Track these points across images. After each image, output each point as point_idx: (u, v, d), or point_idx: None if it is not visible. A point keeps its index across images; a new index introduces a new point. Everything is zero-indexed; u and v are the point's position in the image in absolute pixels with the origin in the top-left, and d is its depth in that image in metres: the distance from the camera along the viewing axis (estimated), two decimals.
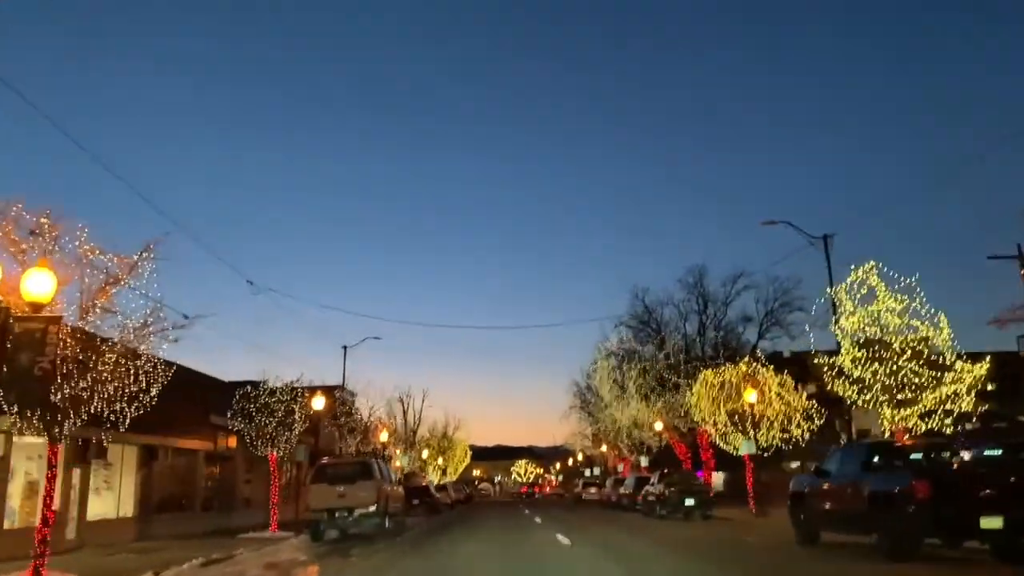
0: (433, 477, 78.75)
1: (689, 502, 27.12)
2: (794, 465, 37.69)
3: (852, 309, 19.06)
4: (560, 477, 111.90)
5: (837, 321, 19.54)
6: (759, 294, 42.12)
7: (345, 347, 45.99)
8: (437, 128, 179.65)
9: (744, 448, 27.75)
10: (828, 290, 26.83)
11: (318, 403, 27.56)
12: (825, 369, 19.33)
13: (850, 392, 18.95)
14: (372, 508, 19.97)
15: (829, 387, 19.46)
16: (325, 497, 20.08)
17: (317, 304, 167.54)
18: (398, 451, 65.59)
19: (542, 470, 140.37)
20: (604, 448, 64.23)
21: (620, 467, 56.99)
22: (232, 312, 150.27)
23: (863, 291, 19.18)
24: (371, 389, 53.36)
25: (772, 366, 29.61)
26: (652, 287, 60.20)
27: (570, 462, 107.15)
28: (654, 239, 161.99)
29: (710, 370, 30.66)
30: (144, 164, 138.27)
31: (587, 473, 78.80)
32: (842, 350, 19.15)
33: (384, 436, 42.82)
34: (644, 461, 45.06)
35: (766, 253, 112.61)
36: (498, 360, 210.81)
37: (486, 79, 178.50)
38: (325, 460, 22.78)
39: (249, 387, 23.79)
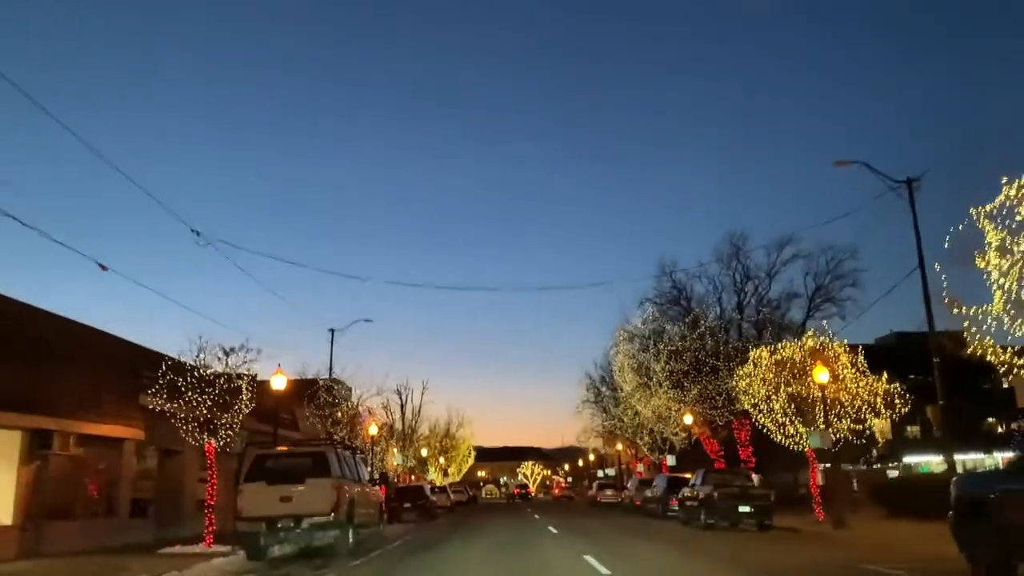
0: (434, 477, 73.41)
1: (744, 509, 21.53)
2: (841, 463, 31.98)
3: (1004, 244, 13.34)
4: (569, 479, 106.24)
5: (985, 257, 13.81)
6: (809, 266, 35.93)
7: (332, 330, 40.67)
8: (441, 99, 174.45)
9: (813, 441, 22.16)
10: (916, 244, 21.62)
11: (278, 382, 22.11)
12: (967, 326, 13.65)
13: (1006, 358, 13.29)
14: (328, 516, 14.42)
15: (972, 350, 13.76)
16: (263, 501, 14.52)
17: (276, 257, 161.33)
18: (395, 449, 60.23)
19: (549, 471, 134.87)
20: (619, 446, 58.65)
21: (640, 467, 51.34)
22: (227, 306, 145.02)
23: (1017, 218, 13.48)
24: (361, 375, 47.63)
25: (845, 340, 24.03)
26: (682, 260, 53.76)
27: (580, 463, 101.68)
28: (681, 204, 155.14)
29: (765, 347, 25.04)
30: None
31: (601, 474, 73.16)
32: (994, 298, 13.44)
33: (373, 429, 37.26)
34: (671, 459, 39.40)
35: (814, 216, 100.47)
36: (503, 360, 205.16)
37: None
38: (264, 451, 17.04)
39: (179, 359, 18.18)
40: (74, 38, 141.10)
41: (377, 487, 19.50)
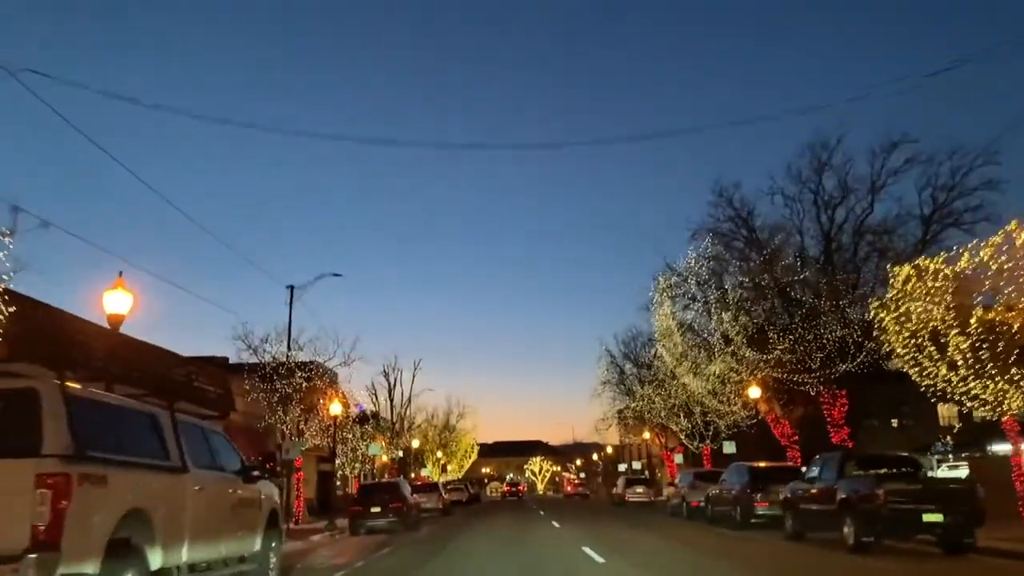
0: (430, 473, 64.13)
1: (932, 518, 12.25)
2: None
3: None
4: (582, 475, 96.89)
5: None
6: (926, 176, 25.03)
7: (292, 287, 31.43)
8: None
9: None
10: None
11: (116, 302, 12.86)
12: None
13: None
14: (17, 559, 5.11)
15: None
16: None
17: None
18: (382, 440, 50.98)
19: (559, 467, 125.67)
20: (647, 435, 49.33)
21: (679, 457, 41.94)
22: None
23: None
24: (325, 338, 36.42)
25: None
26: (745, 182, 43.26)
27: (595, 456, 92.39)
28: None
29: (926, 258, 15.59)
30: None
31: (622, 467, 63.77)
32: None
33: (336, 408, 28.04)
34: (731, 446, 30.04)
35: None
36: (508, 353, 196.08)
37: None
38: None
39: None
40: None
41: (267, 481, 10.36)
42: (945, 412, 59.85)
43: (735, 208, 27.03)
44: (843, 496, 13.37)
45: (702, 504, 23.94)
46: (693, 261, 25.46)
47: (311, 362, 29.25)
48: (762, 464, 20.88)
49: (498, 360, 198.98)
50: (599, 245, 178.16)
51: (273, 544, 10.08)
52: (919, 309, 14.50)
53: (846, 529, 13.15)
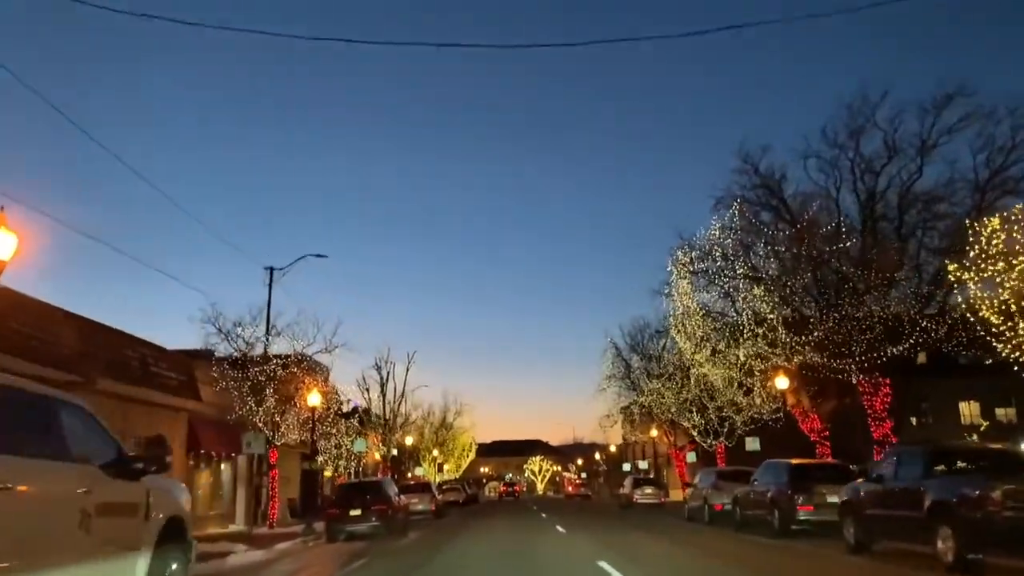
0: (424, 472, 61.13)
1: None
2: None
3: None
4: (583, 475, 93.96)
5: None
6: (983, 134, 21.49)
7: (271, 268, 28.57)
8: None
9: None
10: None
11: None
12: None
13: None
14: None
15: None
16: None
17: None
18: (374, 437, 47.99)
19: (559, 467, 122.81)
20: (655, 432, 46.37)
21: (692, 455, 38.97)
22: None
23: None
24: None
25: None
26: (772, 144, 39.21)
27: (598, 456, 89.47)
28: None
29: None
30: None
31: (627, 467, 60.74)
32: None
33: (314, 399, 25.09)
34: (755, 442, 27.10)
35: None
36: (507, 353, 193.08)
37: None
38: None
39: None
40: None
41: (166, 480, 7.40)
42: (967, 410, 56.81)
43: (762, 175, 24.03)
44: (936, 500, 10.40)
45: (727, 507, 21.01)
46: (718, 231, 22.40)
47: (298, 355, 26.34)
48: (804, 461, 17.91)
49: (497, 358, 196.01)
50: (601, 241, 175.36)
51: (173, 567, 7.10)
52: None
53: (941, 543, 10.18)
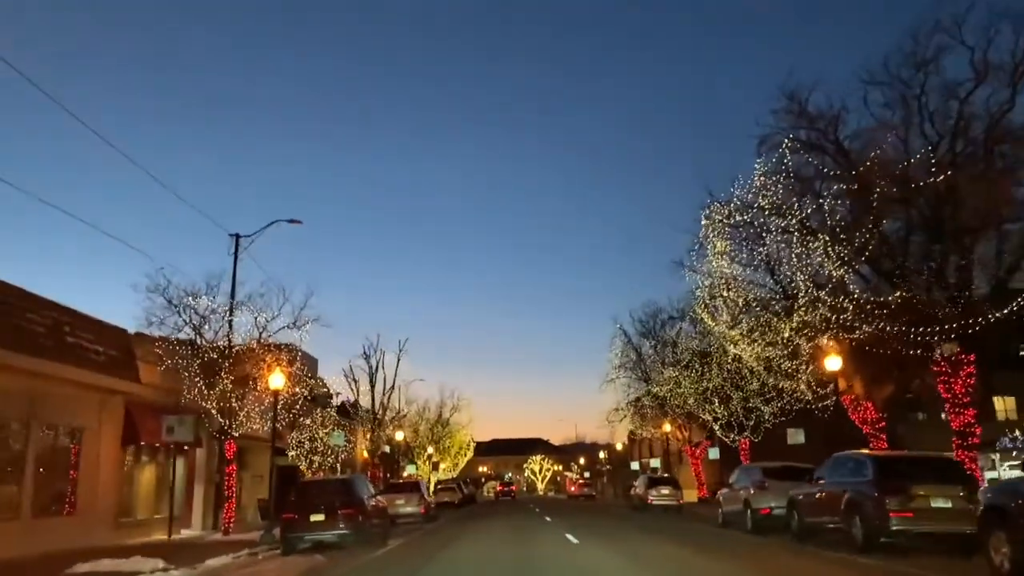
0: (417, 470, 57.08)
1: None
2: None
3: None
4: (586, 474, 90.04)
5: None
6: None
7: (237, 235, 24.63)
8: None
9: None
10: None
11: None
12: None
13: None
14: None
15: None
16: None
17: None
18: (363, 432, 43.99)
19: (560, 467, 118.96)
20: (667, 427, 42.40)
21: (714, 451, 34.97)
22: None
23: None
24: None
25: None
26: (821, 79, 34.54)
27: (601, 455, 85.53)
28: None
29: None
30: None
31: (635, 466, 56.70)
32: None
33: (278, 381, 21.04)
34: (798, 436, 23.03)
35: None
36: (507, 350, 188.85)
37: None
38: None
39: None
40: None
41: None
42: (1002, 405, 52.68)
43: (810, 117, 19.98)
44: None
45: (777, 512, 17.07)
46: (763, 177, 18.16)
47: (259, 327, 22.40)
48: (895, 453, 13.94)
49: (496, 355, 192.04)
50: (603, 238, 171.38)
51: None
52: None
53: None
